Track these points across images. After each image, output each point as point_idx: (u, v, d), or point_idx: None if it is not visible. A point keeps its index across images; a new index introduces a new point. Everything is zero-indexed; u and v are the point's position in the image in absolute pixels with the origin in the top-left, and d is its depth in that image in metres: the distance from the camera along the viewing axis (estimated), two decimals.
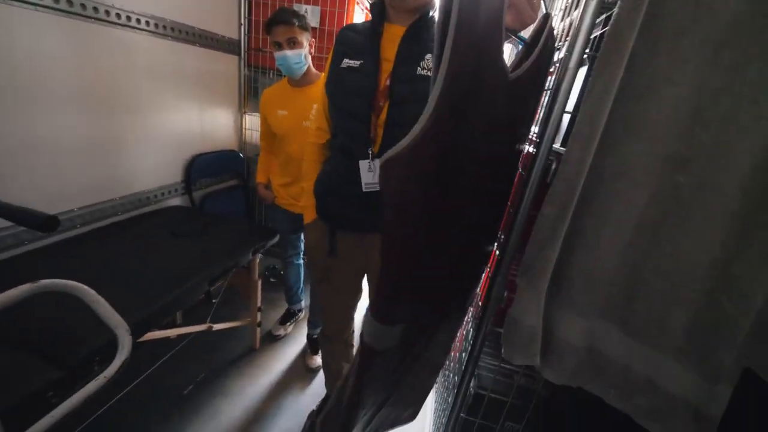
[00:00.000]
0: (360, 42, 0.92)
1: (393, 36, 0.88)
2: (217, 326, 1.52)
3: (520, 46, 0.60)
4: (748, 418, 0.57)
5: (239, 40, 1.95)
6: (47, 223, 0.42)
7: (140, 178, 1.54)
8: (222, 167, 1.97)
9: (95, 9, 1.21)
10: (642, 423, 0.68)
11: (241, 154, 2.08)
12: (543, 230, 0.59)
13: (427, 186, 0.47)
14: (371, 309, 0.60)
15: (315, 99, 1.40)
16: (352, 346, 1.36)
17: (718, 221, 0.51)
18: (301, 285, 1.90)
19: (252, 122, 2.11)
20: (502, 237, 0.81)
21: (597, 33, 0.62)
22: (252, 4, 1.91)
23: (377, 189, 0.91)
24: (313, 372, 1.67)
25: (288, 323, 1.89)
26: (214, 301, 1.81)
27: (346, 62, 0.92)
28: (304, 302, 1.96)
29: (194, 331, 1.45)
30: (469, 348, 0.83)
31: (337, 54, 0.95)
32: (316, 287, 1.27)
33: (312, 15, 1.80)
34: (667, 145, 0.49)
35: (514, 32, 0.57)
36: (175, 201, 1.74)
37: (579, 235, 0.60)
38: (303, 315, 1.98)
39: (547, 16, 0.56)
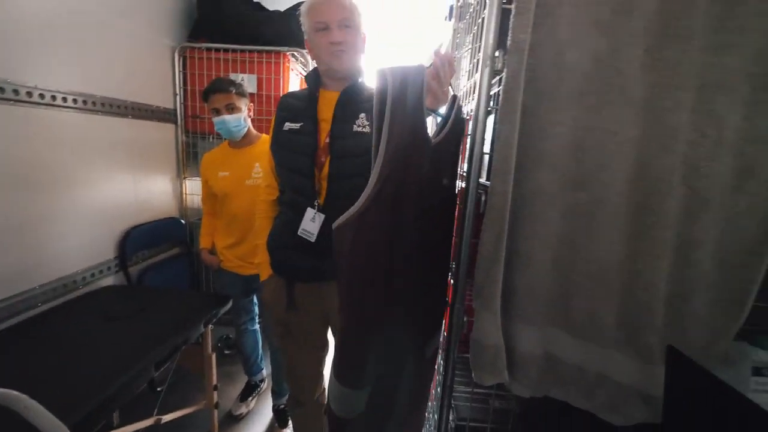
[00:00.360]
0: (299, 107, 1.03)
1: (328, 100, 1.00)
2: (166, 417, 1.34)
3: (438, 119, 0.74)
4: (681, 391, 0.65)
5: (175, 109, 1.96)
6: None
7: (64, 260, 1.39)
8: (162, 236, 1.87)
9: (15, 92, 1.17)
10: (604, 416, 0.74)
11: (182, 221, 2.00)
12: (485, 255, 0.67)
13: (377, 245, 0.54)
14: (335, 373, 0.62)
15: (256, 158, 1.46)
16: (323, 405, 1.28)
17: (614, 227, 0.63)
18: (260, 352, 1.77)
19: (193, 187, 2.06)
20: (453, 267, 0.88)
21: (495, 90, 0.77)
22: (187, 75, 1.97)
23: (311, 240, 0.96)
24: None
25: (249, 398, 1.72)
26: (159, 389, 1.60)
27: (288, 125, 1.01)
28: (266, 371, 1.83)
29: (139, 429, 1.27)
30: (442, 380, 0.85)
31: (279, 119, 1.04)
32: (279, 347, 1.21)
33: (249, 82, 1.90)
34: (564, 172, 0.62)
35: (432, 111, 0.72)
36: (108, 281, 1.58)
37: (516, 254, 0.69)
38: (265, 385, 1.83)
39: (454, 97, 0.71)
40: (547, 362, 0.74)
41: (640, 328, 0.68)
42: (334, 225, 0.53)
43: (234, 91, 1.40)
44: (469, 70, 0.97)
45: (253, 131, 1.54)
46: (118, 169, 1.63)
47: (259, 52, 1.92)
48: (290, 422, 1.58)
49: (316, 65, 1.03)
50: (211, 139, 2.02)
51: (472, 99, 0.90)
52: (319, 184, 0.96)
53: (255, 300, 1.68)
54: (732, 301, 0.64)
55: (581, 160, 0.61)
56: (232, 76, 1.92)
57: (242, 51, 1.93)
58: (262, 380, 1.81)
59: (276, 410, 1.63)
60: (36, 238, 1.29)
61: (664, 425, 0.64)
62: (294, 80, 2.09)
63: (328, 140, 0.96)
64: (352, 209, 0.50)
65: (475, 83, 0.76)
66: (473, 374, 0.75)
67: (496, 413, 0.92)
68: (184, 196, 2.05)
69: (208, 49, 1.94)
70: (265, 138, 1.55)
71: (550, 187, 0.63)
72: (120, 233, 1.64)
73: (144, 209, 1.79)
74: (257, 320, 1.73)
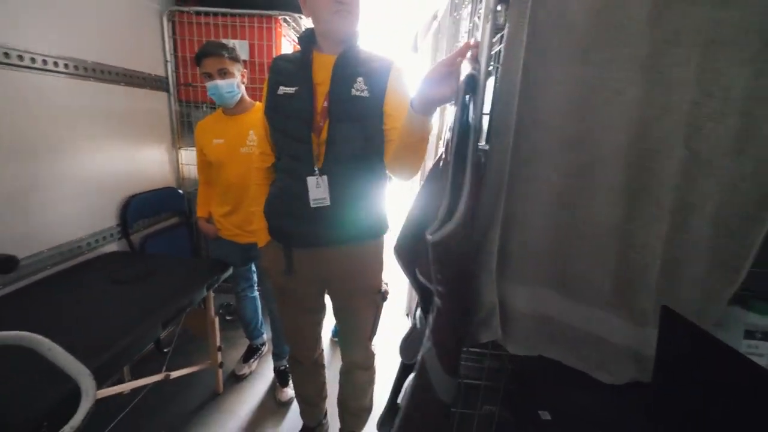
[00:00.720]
0: (292, 70, 0.99)
1: (324, 63, 0.97)
2: (174, 374, 1.41)
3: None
4: (673, 350, 0.66)
5: (166, 77, 1.91)
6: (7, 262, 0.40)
7: (68, 226, 1.41)
8: (161, 206, 1.87)
9: (6, 54, 1.14)
10: (595, 375, 0.77)
11: (180, 191, 1.99)
12: (484, 216, 0.67)
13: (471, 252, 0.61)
14: (446, 367, 0.65)
15: (250, 126, 1.44)
16: (323, 366, 1.34)
17: (612, 189, 0.63)
18: (260, 318, 1.82)
19: (188, 157, 2.04)
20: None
21: (496, 49, 0.74)
22: (177, 41, 1.89)
23: (326, 204, 0.96)
24: (285, 405, 1.59)
25: (252, 360, 1.79)
26: (165, 350, 1.67)
27: (282, 89, 0.98)
28: (266, 335, 1.89)
29: (149, 383, 1.33)
30: None
31: (273, 82, 1.01)
32: (278, 312, 1.25)
33: (240, 48, 1.83)
34: (564, 131, 0.61)
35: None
36: (112, 247, 1.60)
37: (512, 215, 0.69)
38: (266, 349, 1.89)
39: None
40: (541, 322, 0.76)
41: (634, 291, 0.70)
42: (436, 238, 0.57)
43: (226, 55, 1.36)
44: (469, 30, 0.93)
45: (247, 98, 1.50)
46: (114, 137, 1.61)
47: (249, 16, 1.85)
48: (290, 381, 1.66)
49: (312, 26, 0.99)
50: (204, 108, 1.98)
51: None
52: (318, 149, 0.95)
53: (253, 268, 1.71)
54: (729, 266, 0.64)
55: (582, 119, 0.60)
56: (223, 41, 1.85)
57: (232, 15, 1.85)
58: (262, 344, 1.87)
59: (277, 370, 1.70)
60: (38, 204, 1.29)
61: (654, 383, 0.66)
62: (286, 47, 2.02)
63: (326, 104, 0.94)
64: (451, 224, 0.55)
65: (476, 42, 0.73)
66: (470, 333, 0.77)
67: (490, 371, 0.95)
68: (180, 166, 2.04)
69: (197, 14, 1.86)
70: (259, 105, 1.51)
71: (550, 147, 0.62)
72: (120, 202, 1.64)
73: (142, 179, 1.78)
74: (256, 287, 1.77)
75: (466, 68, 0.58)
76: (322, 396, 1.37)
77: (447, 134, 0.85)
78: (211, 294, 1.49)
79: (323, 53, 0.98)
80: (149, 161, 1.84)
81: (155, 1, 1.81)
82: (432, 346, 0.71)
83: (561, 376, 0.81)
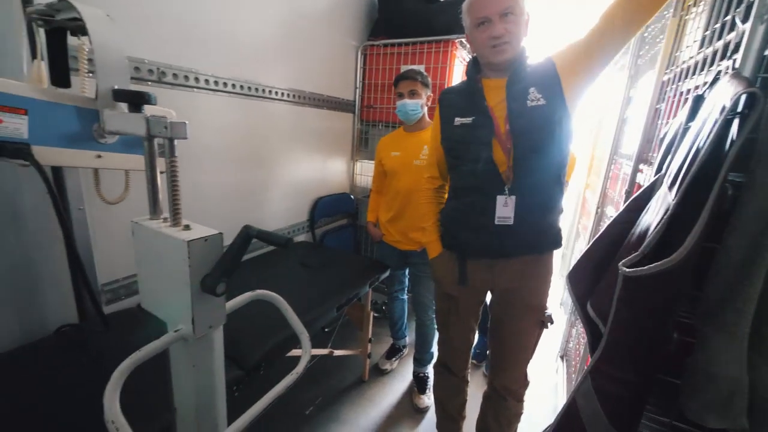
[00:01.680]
0: (463, 100, 1.05)
1: (494, 87, 0.99)
2: (337, 352, 1.64)
3: None
4: None
5: (354, 101, 2.28)
6: (288, 243, 0.57)
7: (276, 218, 1.85)
8: (337, 208, 2.24)
9: (251, 89, 1.59)
10: None
11: (351, 196, 2.34)
12: (732, 265, 0.55)
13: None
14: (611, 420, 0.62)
15: (425, 141, 1.57)
16: (467, 383, 1.33)
17: None
18: (405, 321, 1.95)
19: (361, 168, 2.38)
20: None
21: None
22: (366, 70, 2.25)
23: (509, 223, 0.98)
24: (421, 412, 1.64)
25: (393, 358, 1.93)
26: (326, 330, 1.97)
27: (459, 120, 1.04)
28: (408, 338, 2.00)
29: (318, 355, 1.59)
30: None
31: (447, 115, 1.08)
32: (438, 320, 1.29)
33: None
34: None
35: None
36: (301, 237, 2.01)
37: None
38: (407, 351, 2.00)
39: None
40: None
41: None
42: (635, 273, 0.54)
43: (419, 79, 1.54)
44: (705, 36, 0.78)
45: (426, 118, 1.65)
46: (311, 150, 2.02)
47: (429, 42, 2.03)
48: (428, 389, 1.69)
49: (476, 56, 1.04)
50: (380, 127, 2.27)
51: (708, 71, 0.73)
52: (508, 171, 0.97)
53: (407, 273, 1.84)
54: None
55: None
56: (402, 67, 2.09)
57: (413, 43, 2.07)
58: (404, 346, 1.99)
59: (417, 376, 1.77)
60: (259, 201, 1.74)
61: None
62: (458, 66, 2.12)
63: (507, 126, 0.96)
64: (668, 262, 0.49)
65: (725, 45, 0.61)
66: (688, 409, 0.62)
67: None
68: (354, 175, 2.39)
69: (384, 45, 2.16)
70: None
71: None
72: (311, 202, 2.05)
73: (326, 184, 2.17)
74: (406, 291, 1.90)
75: (729, 86, 0.49)
76: (462, 414, 1.35)
77: (668, 158, 0.74)
78: (369, 290, 1.68)
79: (491, 78, 1.01)
80: (333, 170, 2.23)
81: (355, 39, 2.20)
82: (592, 390, 0.62)
83: None
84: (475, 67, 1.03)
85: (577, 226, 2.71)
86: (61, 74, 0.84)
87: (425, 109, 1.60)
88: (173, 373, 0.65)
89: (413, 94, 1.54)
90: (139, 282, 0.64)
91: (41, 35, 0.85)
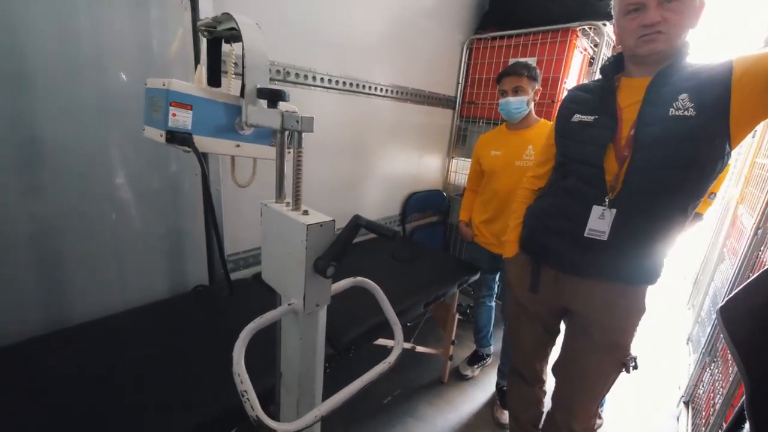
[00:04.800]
0: (592, 98, 0.94)
1: (633, 87, 0.85)
2: (419, 348, 1.64)
3: None
4: None
5: (455, 97, 2.23)
6: (396, 235, 0.59)
7: (372, 209, 1.93)
8: (429, 204, 2.23)
9: (358, 86, 1.66)
10: None
11: (444, 194, 2.30)
12: None
13: None
14: None
15: (530, 141, 1.44)
16: (545, 392, 1.23)
17: None
18: (491, 328, 1.84)
19: (457, 166, 2.32)
20: None
21: None
22: (470, 65, 2.17)
23: (602, 238, 0.86)
24: (502, 428, 1.54)
25: (476, 366, 1.85)
26: (408, 324, 1.98)
27: (578, 117, 0.94)
28: (493, 348, 1.89)
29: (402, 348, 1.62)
30: None
31: (567, 110, 0.98)
32: (509, 325, 1.22)
33: None
34: None
35: None
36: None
37: None
38: (490, 361, 1.90)
39: None
40: None
41: None
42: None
43: (525, 74, 1.41)
44: None
45: (533, 115, 1.51)
46: (409, 145, 2.04)
47: (544, 32, 1.85)
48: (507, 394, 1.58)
49: (619, 51, 0.90)
50: (480, 124, 2.17)
51: None
52: (615, 180, 0.84)
53: (497, 279, 1.73)
54: None
55: None
56: (510, 60, 1.95)
57: (526, 34, 1.91)
58: (488, 354, 1.89)
59: (500, 389, 1.66)
60: (359, 191, 1.83)
61: None
62: (577, 57, 1.89)
63: (632, 132, 0.83)
64: None
65: None
66: None
67: None
68: (448, 173, 2.35)
69: (493, 38, 2.04)
70: (544, 122, 1.50)
71: None
72: (404, 196, 2.08)
73: (420, 180, 2.18)
74: (495, 298, 1.79)
75: None
76: (538, 428, 1.24)
77: None
78: (456, 291, 1.63)
79: (633, 77, 0.87)
80: (427, 167, 2.22)
81: (461, 33, 2.14)
82: None
83: None
84: (614, 64, 0.90)
85: (722, 248, 2.20)
86: (213, 76, 1.01)
87: (532, 105, 1.47)
88: (282, 342, 0.72)
89: (517, 90, 1.42)
90: (263, 257, 0.73)
91: (203, 44, 1.02)
